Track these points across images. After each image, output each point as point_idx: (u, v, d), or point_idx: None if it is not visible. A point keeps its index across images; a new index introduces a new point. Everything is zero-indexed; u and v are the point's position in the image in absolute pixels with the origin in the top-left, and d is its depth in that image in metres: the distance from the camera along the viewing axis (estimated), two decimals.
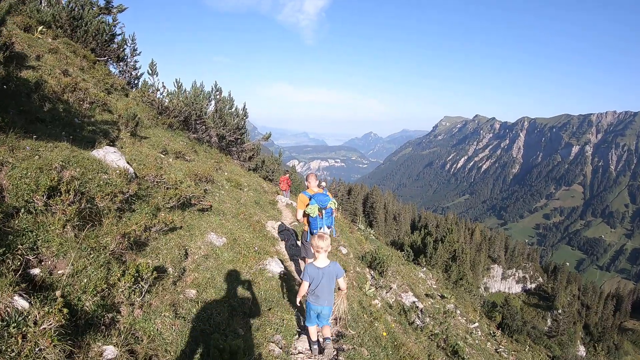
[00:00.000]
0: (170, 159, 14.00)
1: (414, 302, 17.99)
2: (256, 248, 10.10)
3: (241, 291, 7.63)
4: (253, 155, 27.74)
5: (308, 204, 8.96)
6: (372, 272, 17.45)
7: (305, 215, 9.14)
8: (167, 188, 9.56)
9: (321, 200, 8.89)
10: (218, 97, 23.87)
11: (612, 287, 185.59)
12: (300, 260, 11.05)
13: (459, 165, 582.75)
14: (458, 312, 23.78)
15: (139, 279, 5.42)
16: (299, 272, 10.66)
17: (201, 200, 10.41)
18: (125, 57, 23.86)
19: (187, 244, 8.07)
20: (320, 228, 8.96)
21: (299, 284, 7.70)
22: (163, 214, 8.12)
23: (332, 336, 7.32)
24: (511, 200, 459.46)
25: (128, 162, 9.64)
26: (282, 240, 13.21)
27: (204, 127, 22.12)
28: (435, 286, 28.08)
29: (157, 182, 9.65)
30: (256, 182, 20.27)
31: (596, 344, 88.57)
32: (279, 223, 14.59)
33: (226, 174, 17.67)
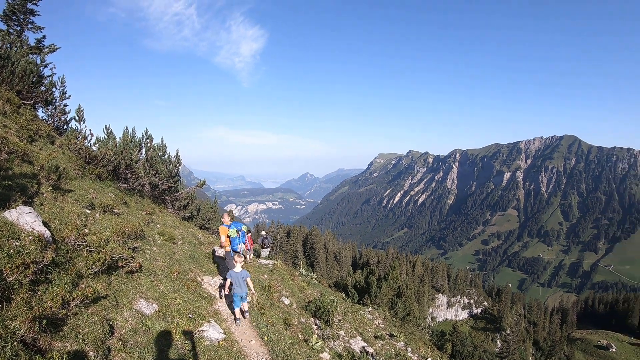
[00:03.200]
0: (96, 214, 12.97)
1: (363, 347, 17.50)
2: (190, 315, 9.31)
3: None
4: (188, 203, 26.56)
5: (229, 230, 13.72)
6: (317, 321, 16.83)
7: (227, 237, 13.72)
8: (90, 251, 8.66)
9: (237, 226, 13.87)
10: (149, 144, 22.78)
11: (555, 302, 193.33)
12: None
13: (395, 200, 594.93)
14: (409, 349, 23.35)
15: None
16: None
17: (129, 262, 9.54)
18: (54, 101, 22.44)
19: (112, 317, 7.21)
20: (239, 244, 13.86)
21: (240, 348, 9.94)
22: (85, 283, 7.32)
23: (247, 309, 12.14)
24: (449, 230, 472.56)
25: (46, 223, 8.69)
26: (220, 297, 12.49)
27: (134, 176, 20.94)
28: (383, 325, 27.69)
29: (78, 245, 8.74)
30: (191, 233, 19.15)
31: (548, 358, 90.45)
32: (216, 278, 13.85)
33: (159, 226, 16.65)
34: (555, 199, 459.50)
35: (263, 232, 25.85)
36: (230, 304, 12.16)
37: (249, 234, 23.43)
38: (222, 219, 14.56)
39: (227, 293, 12.11)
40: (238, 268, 11.70)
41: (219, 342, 8.82)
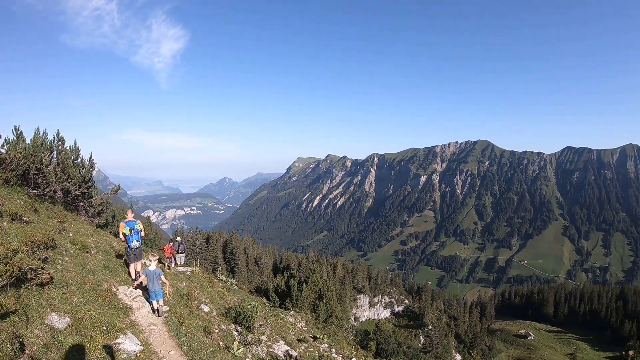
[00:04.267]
0: (4, 223, 12.32)
1: (286, 350, 17.55)
2: (105, 328, 8.99)
3: None
4: (102, 209, 25.48)
5: (123, 227, 14.86)
6: (238, 327, 16.73)
7: (123, 234, 14.84)
8: None
9: (130, 225, 14.92)
10: (61, 147, 21.66)
11: (474, 296, 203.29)
12: (129, 264, 15.16)
13: (314, 204, 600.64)
14: (333, 350, 23.53)
15: None
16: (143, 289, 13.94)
17: (39, 273, 9.09)
18: None
19: (22, 333, 6.88)
20: (132, 242, 14.74)
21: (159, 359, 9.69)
22: None
23: (163, 305, 13.27)
24: (368, 231, 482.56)
25: None
26: (136, 307, 12.17)
27: (45, 181, 19.83)
28: (306, 328, 27.77)
29: None
30: (106, 241, 18.28)
31: (470, 350, 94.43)
32: (131, 288, 13.47)
33: (71, 235, 15.96)
34: (470, 200, 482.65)
35: (178, 238, 25.42)
36: (147, 299, 13.32)
37: (170, 244, 23.07)
38: (125, 215, 16.06)
39: (136, 284, 13.78)
40: (152, 266, 13.14)
41: (136, 354, 8.57)
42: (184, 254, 24.83)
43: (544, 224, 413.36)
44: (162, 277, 13.28)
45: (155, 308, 12.85)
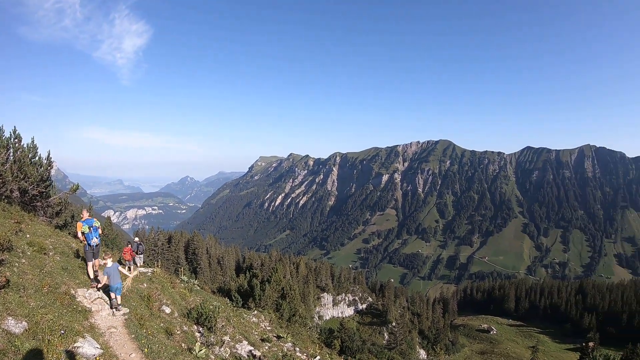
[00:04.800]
0: None
1: (250, 351, 17.52)
2: (63, 331, 8.80)
3: None
4: (61, 209, 24.84)
5: (82, 226, 14.75)
6: (200, 328, 16.60)
7: (82, 233, 14.76)
8: None
9: (89, 222, 14.96)
10: (17, 145, 21.08)
11: (436, 293, 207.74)
12: (88, 263, 15.12)
13: (277, 203, 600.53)
14: (297, 349, 23.57)
15: None
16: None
17: None
18: None
19: None
20: (92, 239, 14.85)
21: None
22: None
23: (124, 307, 13.45)
24: (331, 230, 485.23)
25: None
26: (96, 310, 11.97)
27: (1, 180, 19.27)
28: (269, 328, 27.77)
29: None
30: (64, 242, 17.80)
31: (434, 346, 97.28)
32: (91, 290, 13.25)
33: (28, 236, 15.59)
34: (431, 198, 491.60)
35: (136, 239, 25.07)
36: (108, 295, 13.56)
37: (129, 245, 22.76)
38: (81, 215, 15.81)
39: (100, 286, 13.97)
40: (109, 263, 13.60)
41: (95, 357, 8.45)
42: (142, 255, 24.56)
43: (504, 221, 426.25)
44: (120, 269, 13.86)
45: (113, 298, 13.20)
